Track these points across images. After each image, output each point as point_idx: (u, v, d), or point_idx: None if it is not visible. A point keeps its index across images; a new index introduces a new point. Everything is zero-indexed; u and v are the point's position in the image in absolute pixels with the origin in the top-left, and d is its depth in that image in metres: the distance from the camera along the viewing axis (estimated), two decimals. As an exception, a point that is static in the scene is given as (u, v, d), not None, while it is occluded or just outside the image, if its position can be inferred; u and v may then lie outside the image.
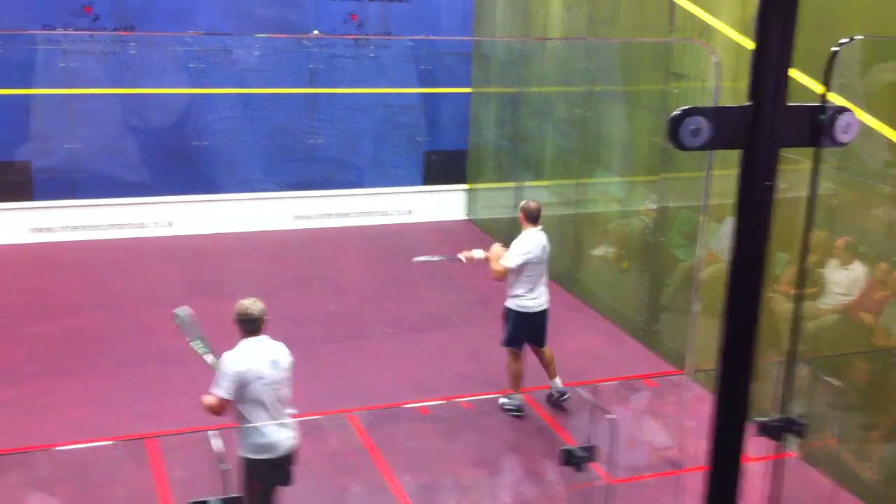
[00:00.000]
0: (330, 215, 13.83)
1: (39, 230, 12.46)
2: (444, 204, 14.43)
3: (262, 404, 5.93)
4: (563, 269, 11.82)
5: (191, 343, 6.37)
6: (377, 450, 7.79)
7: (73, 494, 7.00)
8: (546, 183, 12.42)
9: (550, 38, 12.27)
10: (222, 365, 5.90)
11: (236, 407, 5.94)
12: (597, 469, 6.76)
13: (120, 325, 10.11)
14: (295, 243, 13.08)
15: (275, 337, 6.18)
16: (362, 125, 13.77)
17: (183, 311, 6.56)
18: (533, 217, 8.49)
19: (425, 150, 14.16)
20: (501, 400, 8.55)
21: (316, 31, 10.77)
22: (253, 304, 6.03)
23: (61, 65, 12.21)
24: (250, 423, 5.92)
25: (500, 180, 13.63)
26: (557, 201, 12.09)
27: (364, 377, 9.18)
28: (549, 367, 8.62)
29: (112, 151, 12.63)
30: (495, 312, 10.87)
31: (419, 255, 9.06)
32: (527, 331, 8.46)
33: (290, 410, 6.13)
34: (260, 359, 5.96)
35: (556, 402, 8.64)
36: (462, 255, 8.75)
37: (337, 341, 9.94)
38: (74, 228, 12.54)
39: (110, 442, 7.91)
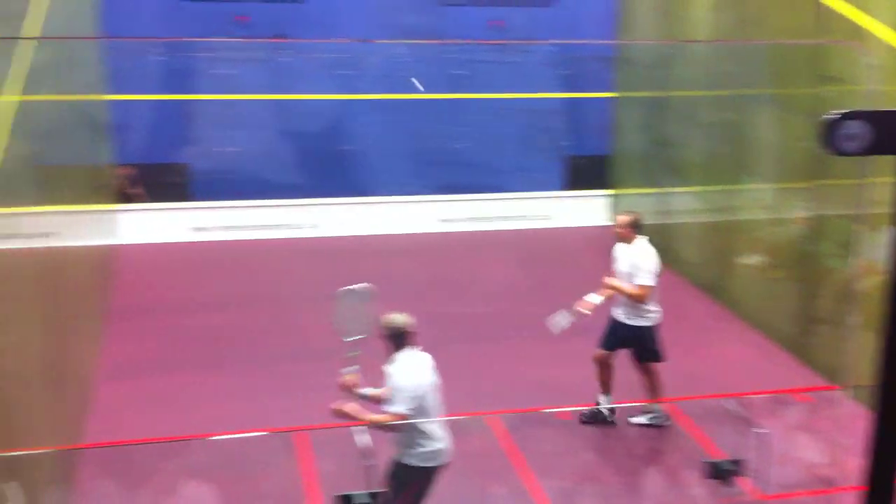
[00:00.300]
0: (472, 219, 13.93)
1: (197, 229, 13.02)
2: (586, 209, 14.32)
3: (431, 413, 5.97)
4: (710, 277, 11.57)
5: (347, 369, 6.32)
6: (518, 453, 7.80)
7: (226, 483, 7.27)
8: (693, 189, 12.18)
9: (696, 41, 12.03)
10: (399, 383, 5.89)
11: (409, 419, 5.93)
12: (742, 484, 6.59)
13: (269, 322, 10.45)
14: (437, 246, 13.23)
15: (419, 339, 6.24)
16: (504, 130, 13.82)
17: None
18: (641, 227, 8.18)
19: (567, 155, 14.09)
20: (639, 419, 8.32)
21: (415, 82, 10.68)
22: (406, 318, 6.08)
23: (218, 72, 12.73)
24: (422, 432, 5.94)
25: (644, 185, 13.44)
26: (704, 208, 11.84)
27: (505, 380, 9.20)
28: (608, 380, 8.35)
29: (264, 155, 13.08)
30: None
31: (554, 322, 8.43)
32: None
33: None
34: (425, 368, 6.05)
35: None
36: (584, 309, 8.30)
37: (478, 343, 10.00)
38: (228, 228, 13.05)
39: (262, 433, 8.19)
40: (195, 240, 12.99)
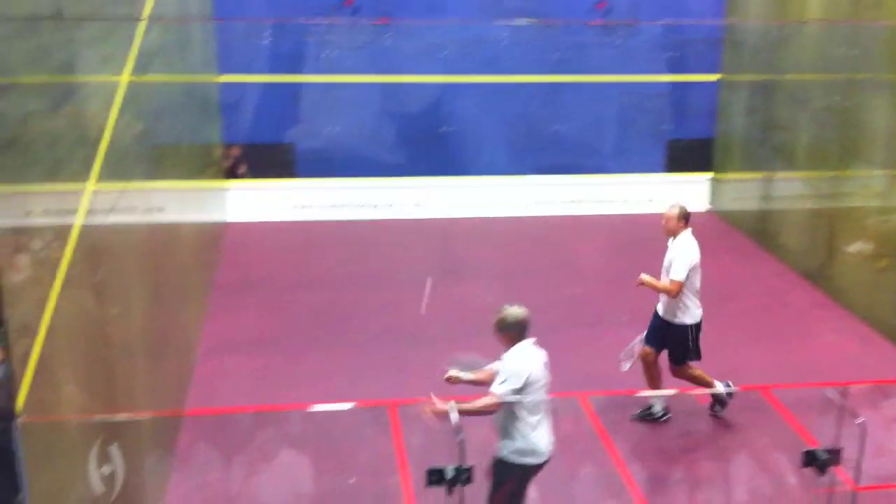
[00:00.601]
0: (570, 202, 13.88)
1: (301, 207, 13.33)
2: (687, 194, 14.07)
3: (534, 408, 5.91)
4: (813, 265, 11.31)
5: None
6: (608, 436, 7.80)
7: (321, 453, 7.49)
8: (799, 174, 11.88)
9: (809, 22, 11.70)
10: (510, 366, 5.89)
11: (510, 410, 5.88)
12: (839, 474, 6.47)
13: (369, 301, 10.65)
14: (535, 229, 13.24)
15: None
16: (606, 112, 13.71)
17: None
18: (688, 219, 7.86)
19: (669, 139, 13.90)
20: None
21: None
22: (521, 310, 6.04)
23: (324, 54, 12.98)
24: (521, 425, 5.90)
25: (748, 170, 13.17)
26: (811, 194, 11.56)
27: (599, 363, 9.18)
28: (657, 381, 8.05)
29: (367, 135, 13.29)
30: (737, 309, 10.60)
31: (625, 359, 8.09)
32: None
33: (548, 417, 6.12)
34: (536, 362, 5.99)
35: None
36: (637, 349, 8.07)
37: (574, 327, 10.01)
38: (332, 207, 13.32)
39: (357, 407, 8.39)
40: (299, 219, 13.30)
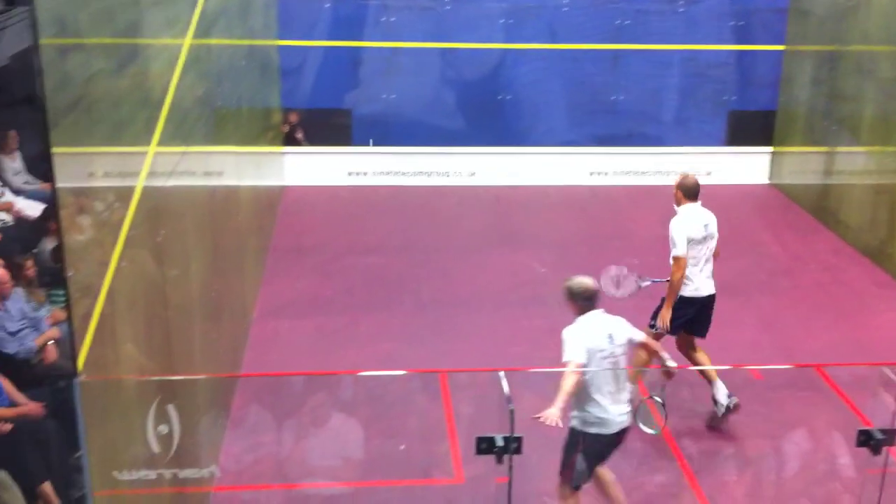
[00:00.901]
0: (627, 172, 13.76)
1: (355, 174, 13.39)
2: (747, 167, 13.89)
3: (600, 379, 5.90)
4: (874, 242, 11.10)
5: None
6: (658, 409, 7.77)
7: (371, 418, 7.59)
8: (863, 149, 11.63)
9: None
10: (565, 339, 5.91)
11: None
12: (893, 455, 6.40)
13: (422, 267, 10.70)
14: (591, 199, 13.17)
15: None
16: (666, 82, 13.52)
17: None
18: (692, 193, 7.55)
19: (731, 110, 13.67)
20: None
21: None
22: (589, 281, 6.08)
23: (383, 19, 12.96)
24: (589, 395, 5.91)
25: (810, 144, 12.92)
26: (875, 169, 11.31)
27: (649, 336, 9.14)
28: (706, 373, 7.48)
29: (424, 102, 13.28)
30: (795, 283, 10.47)
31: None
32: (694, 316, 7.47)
33: (628, 389, 6.11)
34: (598, 333, 5.97)
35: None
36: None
37: (628, 298, 9.94)
38: (386, 174, 13.36)
39: (409, 373, 8.48)
40: (354, 184, 13.37)
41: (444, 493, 6.84)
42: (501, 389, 5.63)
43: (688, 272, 7.28)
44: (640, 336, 6.23)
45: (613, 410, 5.95)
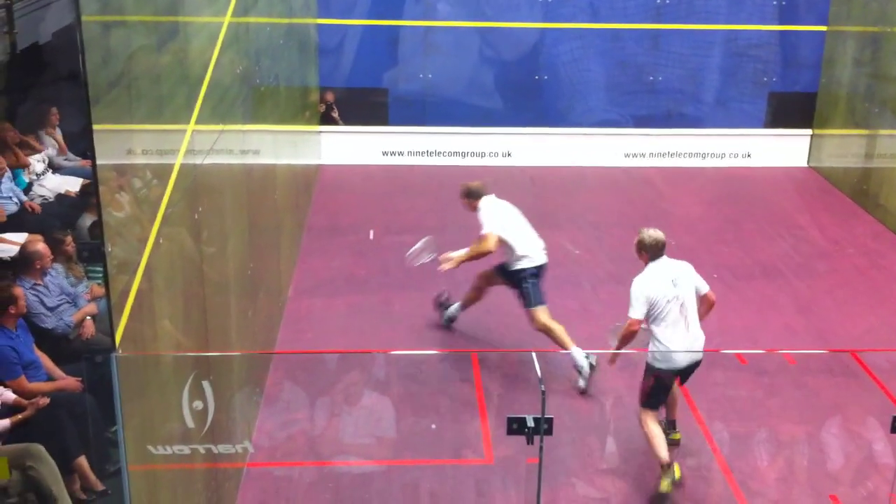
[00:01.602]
0: (664, 154, 13.65)
1: (390, 153, 13.41)
2: (786, 149, 13.72)
3: (666, 320, 6.53)
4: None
5: None
6: (688, 393, 7.76)
7: (403, 397, 7.64)
8: (904, 132, 11.46)
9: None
10: (632, 290, 6.58)
11: (648, 323, 6.60)
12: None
13: (456, 247, 10.67)
14: (628, 180, 13.08)
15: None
16: (707, 62, 13.37)
17: None
18: (473, 194, 8.20)
19: (771, 91, 13.50)
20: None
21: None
22: (657, 233, 6.74)
23: (421, -2, 12.95)
24: (655, 335, 6.57)
25: (851, 126, 12.73)
26: (916, 153, 11.15)
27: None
28: None
29: (461, 82, 13.24)
30: (833, 267, 10.36)
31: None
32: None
33: (696, 326, 6.61)
34: (662, 279, 6.58)
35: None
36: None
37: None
38: (421, 153, 13.37)
39: (440, 352, 8.52)
40: (390, 163, 13.39)
41: (474, 472, 6.88)
42: (533, 370, 5.65)
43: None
44: (705, 287, 6.77)
45: (678, 347, 6.55)
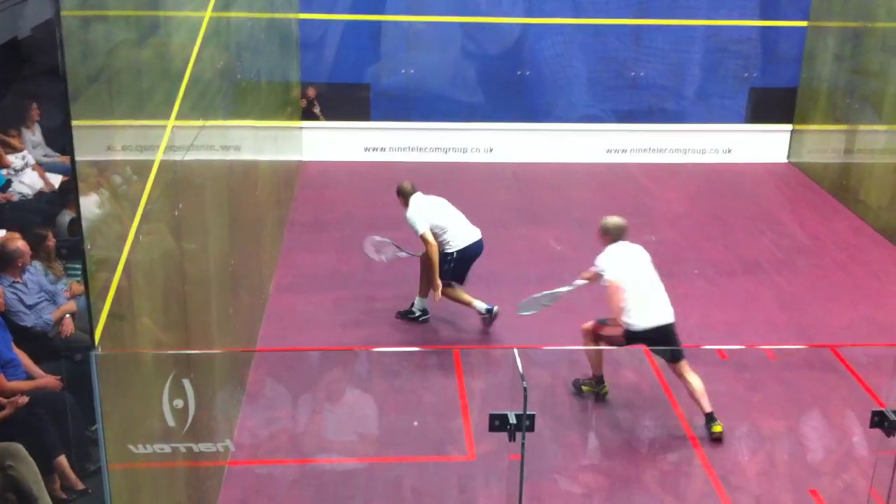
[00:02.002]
0: (646, 150, 13.68)
1: (373, 149, 13.39)
2: (767, 145, 13.78)
3: (629, 292, 7.22)
4: (893, 222, 11.02)
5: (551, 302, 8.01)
6: (669, 390, 7.79)
7: (385, 394, 7.64)
8: (885, 127, 11.51)
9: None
10: (601, 265, 7.41)
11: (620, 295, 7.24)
12: (907, 437, 6.39)
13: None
14: (610, 176, 13.11)
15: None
16: (688, 57, 13.40)
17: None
18: (405, 192, 8.87)
19: (752, 87, 13.55)
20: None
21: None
22: (620, 220, 7.57)
23: (403, -8, 12.92)
24: (627, 307, 7.22)
25: (831, 122, 12.80)
26: (894, 148, 11.21)
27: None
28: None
29: (444, 77, 13.22)
30: (813, 262, 10.42)
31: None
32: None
33: (658, 296, 7.31)
34: (622, 258, 7.38)
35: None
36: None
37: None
38: (403, 149, 13.34)
39: (423, 349, 8.51)
40: (373, 159, 13.36)
41: (456, 469, 6.89)
42: (515, 366, 5.65)
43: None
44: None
45: (644, 314, 7.21)
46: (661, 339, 7.30)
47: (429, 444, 7.22)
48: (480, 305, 8.79)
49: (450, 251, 8.68)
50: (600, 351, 7.69)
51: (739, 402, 7.74)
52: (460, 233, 8.76)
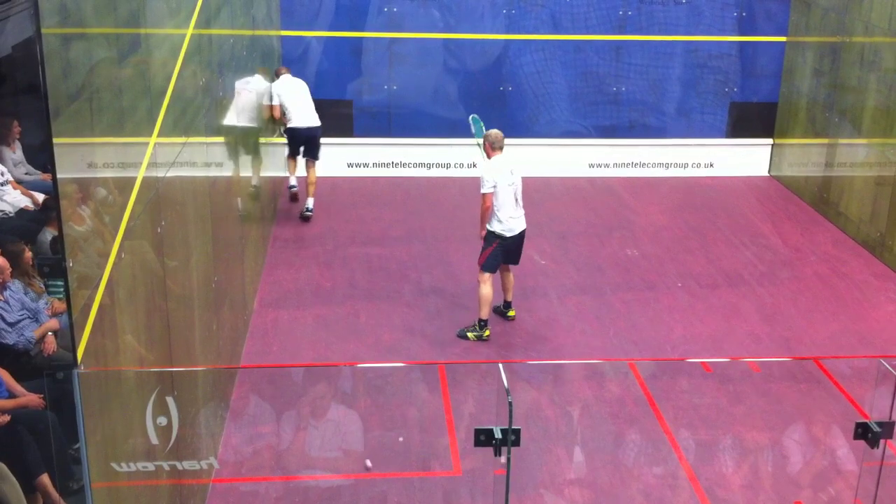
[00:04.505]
0: (628, 164, 13.75)
1: (355, 165, 13.38)
2: (748, 158, 13.88)
3: (504, 199, 8.65)
4: (875, 234, 11.10)
5: (477, 142, 9.49)
6: (657, 402, 7.81)
7: (371, 410, 7.62)
8: (864, 141, 11.62)
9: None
10: (483, 173, 8.73)
11: (493, 200, 8.64)
12: (891, 448, 6.42)
13: (423, 258, 10.72)
14: (592, 190, 13.16)
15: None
16: (668, 73, 13.49)
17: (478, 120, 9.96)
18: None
19: (732, 101, 13.66)
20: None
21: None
22: (500, 133, 8.85)
23: (385, 9, 12.94)
24: (498, 211, 8.66)
25: (811, 136, 12.91)
26: (876, 161, 11.30)
27: (653, 328, 9.18)
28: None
29: (425, 93, 13.24)
30: (795, 274, 10.49)
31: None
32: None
33: (520, 206, 8.77)
34: (504, 168, 8.70)
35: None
36: None
37: (628, 290, 9.98)
38: (385, 165, 13.35)
39: (407, 365, 8.49)
40: (355, 175, 13.36)
41: (442, 485, 6.87)
42: (500, 381, 5.65)
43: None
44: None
45: (514, 222, 8.78)
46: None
47: (414, 460, 7.19)
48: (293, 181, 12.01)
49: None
50: (490, 288, 8.80)
51: (724, 414, 7.76)
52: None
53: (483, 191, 8.71)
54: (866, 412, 7.47)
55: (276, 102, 11.44)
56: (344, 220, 11.80)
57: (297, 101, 11.55)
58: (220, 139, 8.07)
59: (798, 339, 9.08)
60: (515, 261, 9.07)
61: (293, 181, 12.14)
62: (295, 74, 13.10)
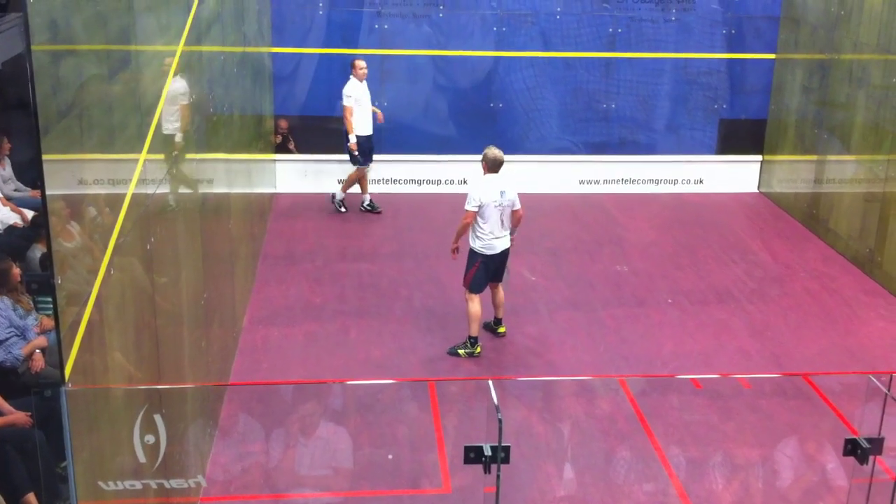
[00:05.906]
0: (618, 181, 13.78)
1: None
2: (737, 175, 13.94)
3: (489, 220, 8.66)
4: (864, 251, 11.14)
5: None
6: (648, 418, 7.80)
7: (360, 427, 7.59)
8: (853, 157, 11.67)
9: None
10: (471, 190, 8.71)
11: (477, 219, 8.66)
12: (881, 464, 6.42)
13: (413, 274, 10.71)
14: (582, 207, 13.19)
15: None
16: (658, 90, 13.55)
17: None
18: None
19: (722, 118, 13.72)
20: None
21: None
22: (499, 152, 8.81)
23: (376, 27, 12.98)
24: (481, 229, 8.69)
25: (800, 152, 12.96)
26: (865, 177, 11.35)
27: (643, 345, 9.18)
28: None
29: (416, 110, 13.27)
30: (785, 291, 10.51)
31: None
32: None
33: (506, 228, 8.77)
34: (493, 188, 8.68)
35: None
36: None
37: (619, 306, 9.99)
38: (376, 182, 13.34)
39: (397, 382, 8.47)
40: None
41: (432, 502, 6.84)
42: (490, 398, 5.64)
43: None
44: (519, 205, 8.88)
45: (497, 242, 8.77)
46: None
47: (404, 478, 7.17)
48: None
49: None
50: (478, 306, 8.84)
51: (714, 430, 7.76)
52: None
53: (466, 207, 8.71)
54: (855, 428, 7.48)
55: (347, 104, 11.80)
56: (334, 237, 11.79)
57: (365, 107, 11.94)
58: (211, 156, 8.07)
59: (788, 355, 9.10)
60: (499, 278, 9.03)
61: (340, 195, 12.54)
62: (287, 91, 13.17)
